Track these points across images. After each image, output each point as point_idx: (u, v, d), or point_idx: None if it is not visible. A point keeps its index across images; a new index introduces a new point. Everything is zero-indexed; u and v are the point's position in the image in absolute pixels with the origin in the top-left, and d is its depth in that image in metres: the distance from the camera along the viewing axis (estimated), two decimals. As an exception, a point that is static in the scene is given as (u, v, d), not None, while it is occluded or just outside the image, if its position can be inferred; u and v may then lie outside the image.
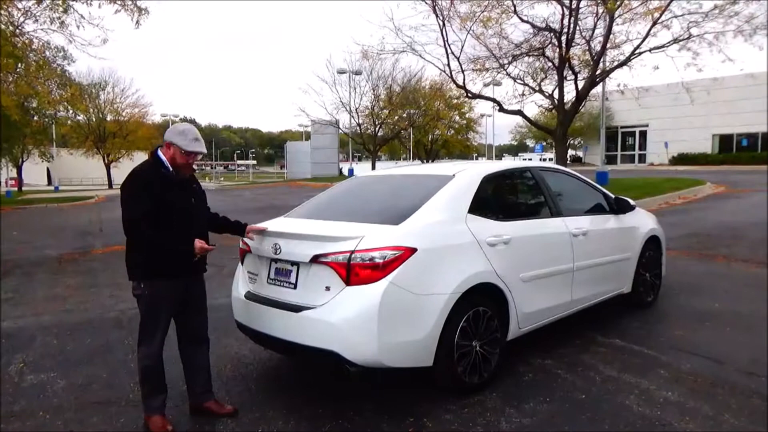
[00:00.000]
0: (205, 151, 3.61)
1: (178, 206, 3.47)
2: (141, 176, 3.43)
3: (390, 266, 3.44)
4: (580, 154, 52.03)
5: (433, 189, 4.05)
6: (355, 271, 3.44)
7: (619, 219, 5.43)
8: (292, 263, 3.75)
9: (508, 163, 5.05)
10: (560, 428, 3.39)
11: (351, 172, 35.87)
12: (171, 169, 3.51)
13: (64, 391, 4.17)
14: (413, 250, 3.52)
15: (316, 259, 3.57)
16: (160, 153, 3.54)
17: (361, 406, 3.75)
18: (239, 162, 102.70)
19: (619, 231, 5.39)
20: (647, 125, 42.65)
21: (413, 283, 3.50)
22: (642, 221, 5.80)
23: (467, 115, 49.84)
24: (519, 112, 18.41)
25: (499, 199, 4.58)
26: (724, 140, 39.74)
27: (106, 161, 47.18)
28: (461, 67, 17.24)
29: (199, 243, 3.45)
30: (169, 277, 3.46)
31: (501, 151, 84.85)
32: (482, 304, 3.87)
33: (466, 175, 4.25)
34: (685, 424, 3.40)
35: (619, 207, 5.43)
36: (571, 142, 48.35)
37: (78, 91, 27.73)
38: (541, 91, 17.77)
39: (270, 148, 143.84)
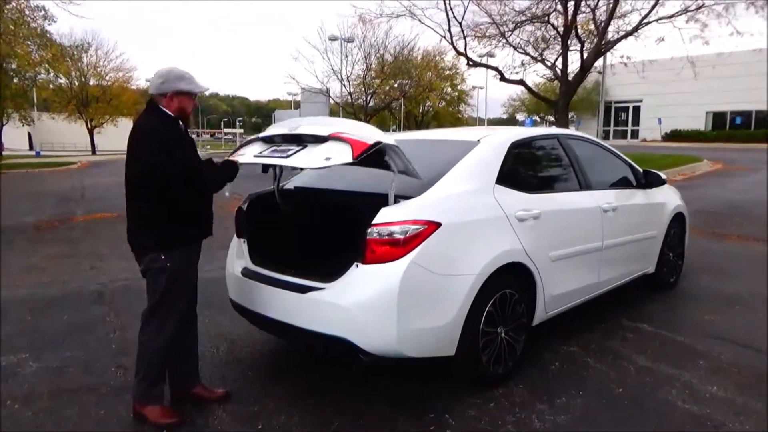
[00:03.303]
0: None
1: (199, 165, 3.06)
2: (165, 132, 2.93)
3: (411, 243, 2.99)
4: (572, 128, 51.68)
5: (456, 156, 3.57)
6: (371, 248, 2.99)
7: (647, 194, 5.01)
8: None
9: (534, 129, 4.59)
10: (600, 428, 3.00)
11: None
12: (181, 124, 3.05)
13: (37, 375, 3.71)
14: (437, 225, 3.07)
15: None
16: (164, 109, 3.03)
17: (372, 398, 3.33)
18: (226, 130, 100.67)
19: (647, 207, 4.97)
20: (641, 101, 42.26)
21: (437, 262, 3.06)
22: (669, 197, 5.40)
23: (459, 87, 49.17)
24: (521, 82, 17.83)
25: (528, 168, 4.12)
26: (718, 118, 39.54)
27: (89, 126, 45.90)
28: (463, 33, 16.54)
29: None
30: (194, 242, 3.06)
31: (491, 125, 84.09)
32: (509, 285, 3.45)
33: (493, 141, 3.78)
34: (740, 424, 3.02)
35: (648, 181, 5.01)
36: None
37: (59, 51, 26.72)
38: (542, 61, 17.19)
39: (258, 116, 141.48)
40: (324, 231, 3.86)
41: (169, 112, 3.01)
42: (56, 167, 26.02)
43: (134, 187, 2.98)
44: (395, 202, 3.10)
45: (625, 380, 3.55)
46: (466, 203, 3.35)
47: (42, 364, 3.89)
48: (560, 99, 16.42)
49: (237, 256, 3.76)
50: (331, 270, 3.13)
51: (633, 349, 4.03)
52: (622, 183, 4.89)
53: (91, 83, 44.95)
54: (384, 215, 3.01)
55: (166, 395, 3.23)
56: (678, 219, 5.49)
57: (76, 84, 43.62)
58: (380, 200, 3.09)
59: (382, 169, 3.08)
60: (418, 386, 3.46)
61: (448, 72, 41.99)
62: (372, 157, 2.90)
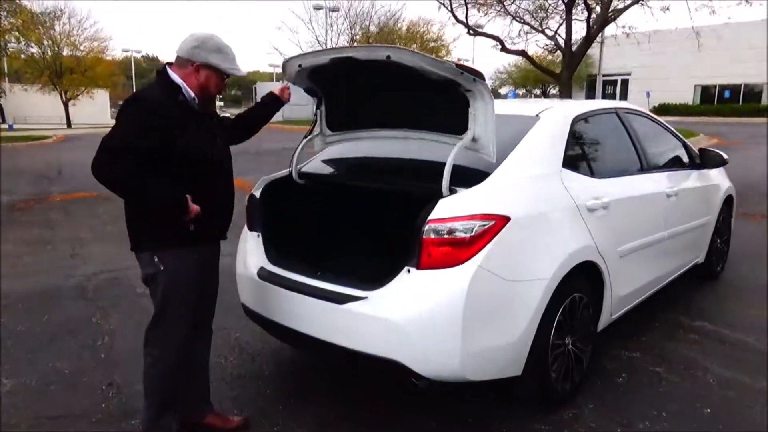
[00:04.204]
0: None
1: (202, 150, 2.43)
2: (149, 102, 2.32)
3: (478, 243, 2.42)
4: (559, 102, 50.91)
5: (515, 134, 2.97)
6: (428, 250, 2.41)
7: (702, 176, 4.48)
8: None
9: (592, 102, 4.02)
10: (703, 464, 2.51)
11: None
12: (194, 98, 2.43)
13: (12, 396, 3.10)
14: (506, 220, 2.50)
15: None
16: (173, 75, 2.41)
17: (422, 423, 2.79)
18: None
19: (703, 190, 4.46)
20: (629, 74, 41.73)
21: (506, 266, 2.50)
22: (721, 179, 4.89)
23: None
24: (523, 53, 17.09)
25: (591, 148, 3.53)
26: (706, 91, 39.22)
27: (64, 99, 44.20)
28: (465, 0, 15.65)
29: (195, 207, 2.38)
30: (197, 241, 2.44)
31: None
32: (579, 289, 2.91)
33: (554, 116, 3.18)
34: None
35: (705, 161, 4.48)
36: (551, 89, 47.31)
37: (30, 18, 25.41)
38: (542, 32, 16.46)
39: (238, 89, 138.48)
40: (360, 225, 3.27)
41: (180, 82, 2.39)
42: (31, 141, 24.81)
43: None
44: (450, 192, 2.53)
45: (710, 397, 3.05)
46: (534, 192, 2.78)
47: (18, 380, 3.29)
48: (563, 71, 15.77)
49: (250, 253, 3.15)
50: (374, 275, 2.56)
51: (703, 355, 3.54)
52: (677, 163, 4.36)
53: (65, 53, 43.14)
54: (443, 209, 2.44)
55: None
56: (727, 202, 4.99)
57: (49, 54, 41.80)
58: (428, 186, 2.53)
59: (448, 133, 2.74)
60: (472, 407, 2.93)
61: (433, 44, 40.89)
62: (457, 97, 2.54)
